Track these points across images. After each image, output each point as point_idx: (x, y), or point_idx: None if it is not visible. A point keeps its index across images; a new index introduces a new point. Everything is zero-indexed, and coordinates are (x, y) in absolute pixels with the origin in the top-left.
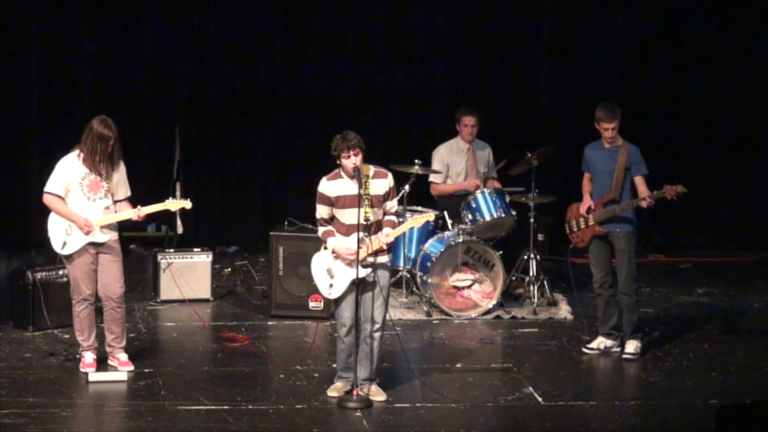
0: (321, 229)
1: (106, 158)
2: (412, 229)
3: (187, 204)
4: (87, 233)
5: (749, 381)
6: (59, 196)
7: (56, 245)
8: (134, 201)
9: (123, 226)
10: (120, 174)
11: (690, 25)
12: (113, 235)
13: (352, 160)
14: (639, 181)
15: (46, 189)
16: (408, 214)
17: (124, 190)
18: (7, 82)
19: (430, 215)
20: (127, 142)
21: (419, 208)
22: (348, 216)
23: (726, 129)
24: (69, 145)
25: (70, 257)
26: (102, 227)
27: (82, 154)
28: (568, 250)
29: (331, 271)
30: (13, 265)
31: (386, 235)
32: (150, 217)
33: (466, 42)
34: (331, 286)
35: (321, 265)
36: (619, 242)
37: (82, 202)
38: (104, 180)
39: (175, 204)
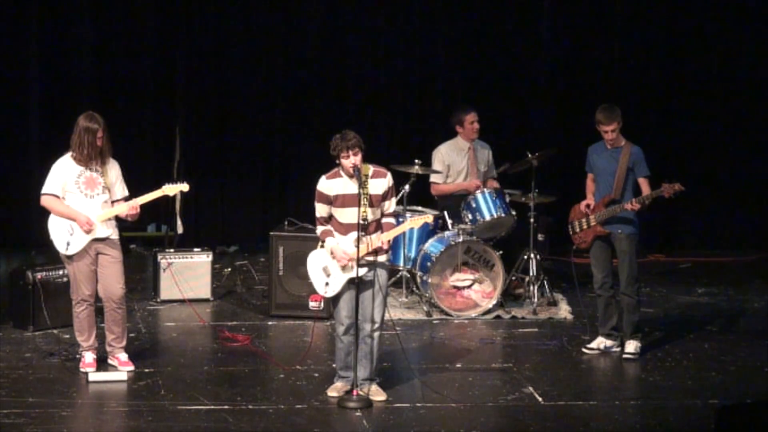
0: (320, 229)
1: (95, 152)
2: (412, 229)
3: (185, 186)
4: (88, 231)
5: (749, 381)
6: (56, 196)
7: (59, 246)
8: None
9: (123, 226)
10: (116, 173)
11: (689, 24)
12: (114, 231)
13: (351, 160)
14: (642, 183)
15: (43, 191)
16: (408, 214)
17: (120, 189)
18: (7, 82)
19: (429, 217)
20: (127, 142)
21: (419, 208)
22: (346, 215)
23: (726, 129)
24: (69, 145)
25: (71, 257)
26: (102, 221)
27: (74, 153)
28: (572, 250)
29: (327, 270)
30: (13, 265)
31: (381, 240)
32: (150, 215)
33: (467, 42)
34: (327, 284)
35: (317, 263)
36: (621, 243)
37: (81, 200)
38: (100, 176)
39: (172, 188)
